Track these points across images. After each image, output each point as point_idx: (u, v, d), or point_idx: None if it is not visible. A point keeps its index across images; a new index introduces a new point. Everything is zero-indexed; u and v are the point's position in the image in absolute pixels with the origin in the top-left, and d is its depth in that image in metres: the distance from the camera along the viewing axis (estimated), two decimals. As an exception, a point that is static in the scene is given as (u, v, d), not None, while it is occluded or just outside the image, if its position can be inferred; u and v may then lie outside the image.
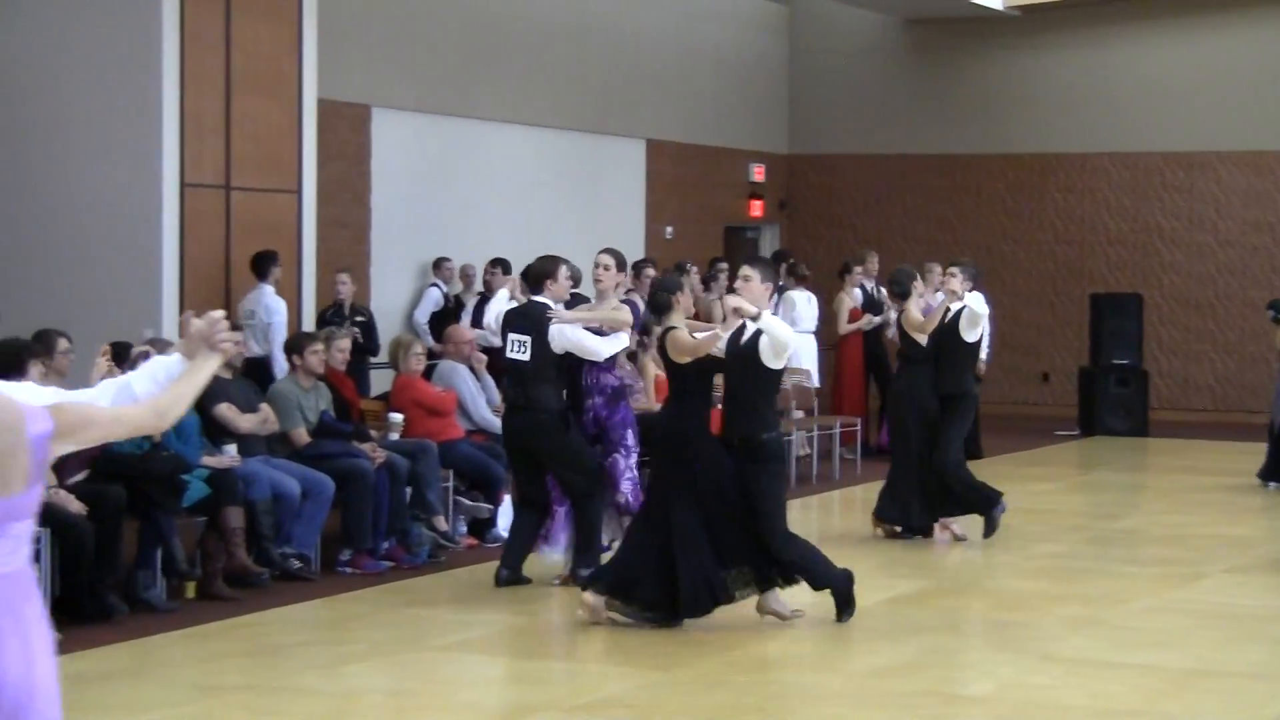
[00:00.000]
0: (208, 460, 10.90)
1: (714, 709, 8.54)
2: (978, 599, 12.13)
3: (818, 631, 10.42)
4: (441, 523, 12.43)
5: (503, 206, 18.45)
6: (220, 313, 4.55)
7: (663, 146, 21.63)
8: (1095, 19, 22.62)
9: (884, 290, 18.54)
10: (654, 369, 15.00)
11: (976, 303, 13.19)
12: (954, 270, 13.29)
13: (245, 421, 11.34)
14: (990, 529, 12.85)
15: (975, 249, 20.53)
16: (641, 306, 16.92)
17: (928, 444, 13.04)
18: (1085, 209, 22.83)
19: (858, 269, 18.34)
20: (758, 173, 23.48)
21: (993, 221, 22.79)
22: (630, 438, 11.37)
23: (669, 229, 21.16)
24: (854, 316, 18.42)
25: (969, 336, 13.23)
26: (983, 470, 17.55)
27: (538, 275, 11.36)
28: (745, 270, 10.21)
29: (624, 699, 8.85)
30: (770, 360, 9.82)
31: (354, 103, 16.92)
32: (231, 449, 11.20)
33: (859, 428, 17.65)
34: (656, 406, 14.64)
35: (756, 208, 23.44)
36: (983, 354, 18.22)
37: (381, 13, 17.46)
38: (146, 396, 4.54)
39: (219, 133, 14.23)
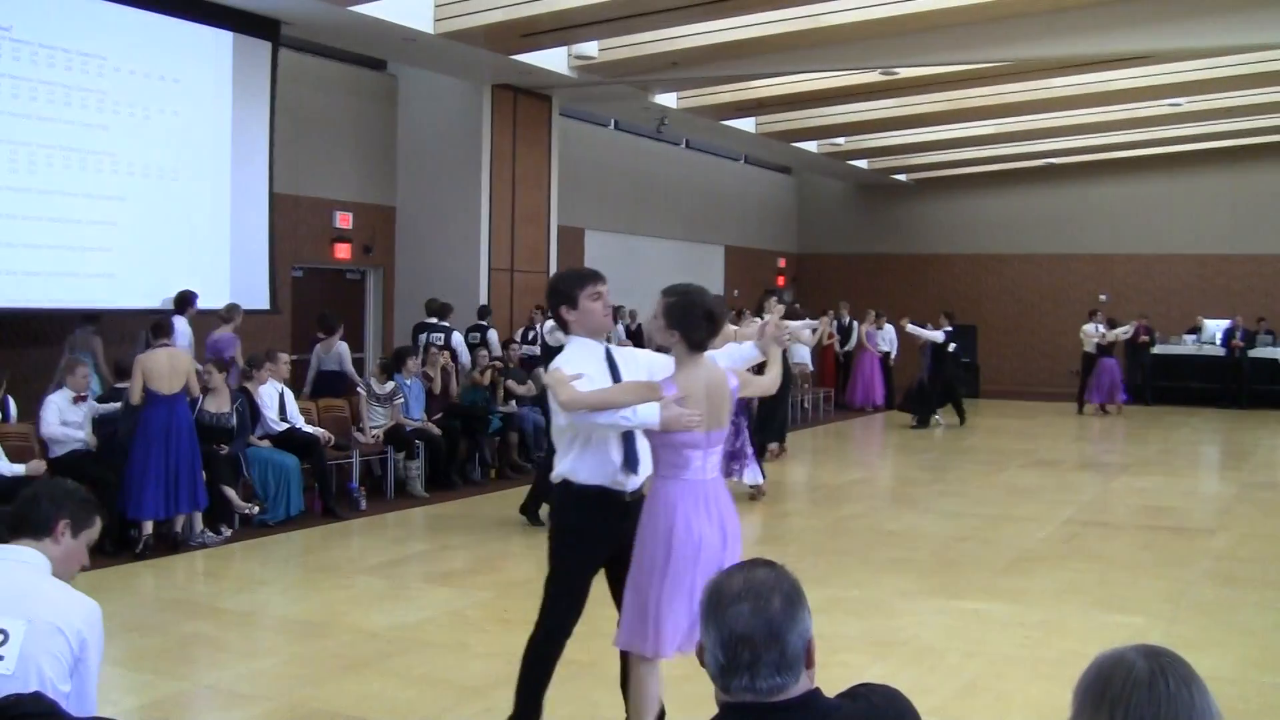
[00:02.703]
0: (501, 408, 11.03)
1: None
2: (890, 480, 11.95)
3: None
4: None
5: (648, 280, 18.11)
6: (780, 319, 4.08)
7: (733, 249, 21.54)
8: (954, 185, 22.51)
9: (849, 320, 18.82)
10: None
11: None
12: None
13: (520, 389, 11.30)
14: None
15: (894, 302, 20.16)
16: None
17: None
18: (949, 282, 22.35)
19: (832, 311, 18.21)
20: (782, 262, 23.22)
21: (905, 290, 22.18)
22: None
23: (735, 291, 21.02)
24: (829, 336, 18.01)
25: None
26: (891, 417, 16.87)
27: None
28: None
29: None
30: None
31: (574, 226, 16.69)
32: (512, 404, 11.19)
33: (831, 392, 17.71)
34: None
35: (781, 281, 23.30)
36: (894, 353, 18.15)
37: (590, 180, 17.03)
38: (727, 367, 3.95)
39: (508, 241, 14.13)
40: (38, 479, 7.31)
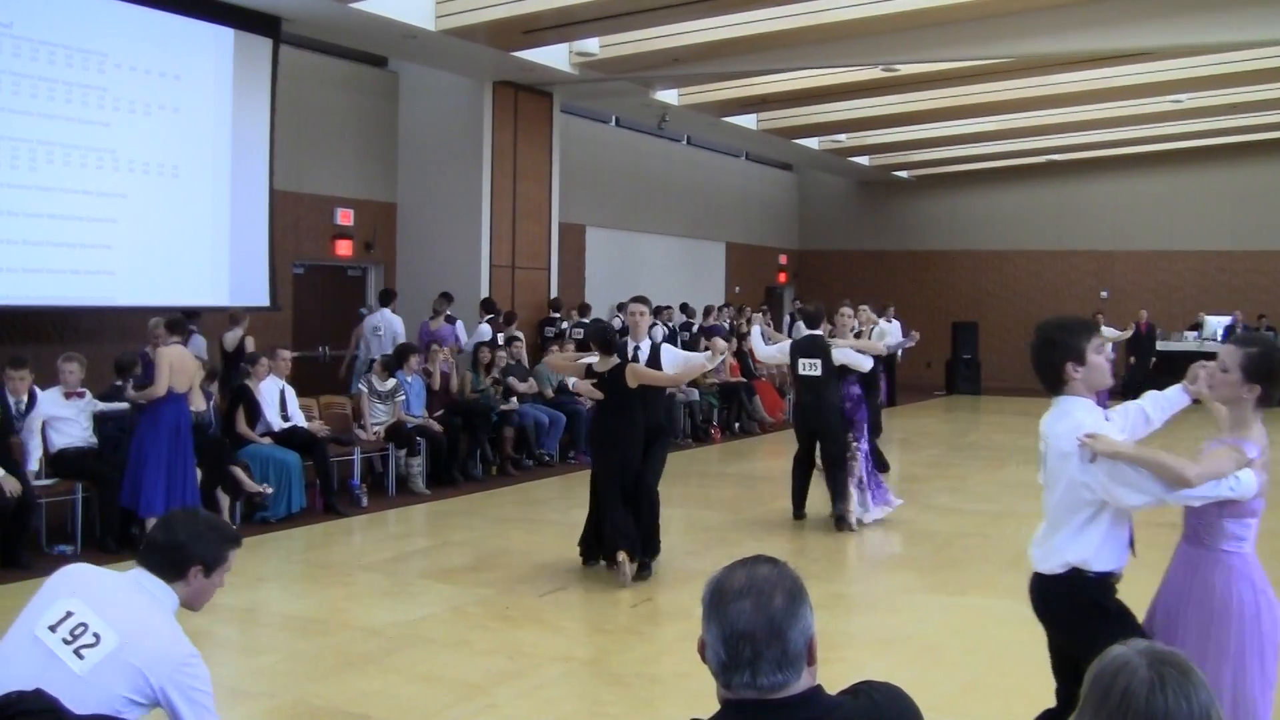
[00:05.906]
0: (504, 407, 11.05)
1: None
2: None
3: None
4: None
5: (650, 277, 18.02)
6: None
7: (734, 246, 21.40)
8: (955, 182, 22.48)
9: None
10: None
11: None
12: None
13: (521, 386, 11.47)
14: None
15: (896, 299, 19.89)
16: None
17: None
18: (950, 279, 22.47)
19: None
20: (783, 259, 23.18)
21: (906, 287, 22.30)
22: (864, 429, 8.63)
23: (737, 288, 20.94)
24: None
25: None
26: (895, 413, 16.72)
27: (816, 316, 8.68)
28: (638, 307, 7.22)
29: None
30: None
31: (576, 223, 16.60)
32: (514, 400, 11.27)
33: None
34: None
35: (782, 277, 23.25)
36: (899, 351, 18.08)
37: (590, 177, 16.86)
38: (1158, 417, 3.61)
39: (509, 238, 14.03)
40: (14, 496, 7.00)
